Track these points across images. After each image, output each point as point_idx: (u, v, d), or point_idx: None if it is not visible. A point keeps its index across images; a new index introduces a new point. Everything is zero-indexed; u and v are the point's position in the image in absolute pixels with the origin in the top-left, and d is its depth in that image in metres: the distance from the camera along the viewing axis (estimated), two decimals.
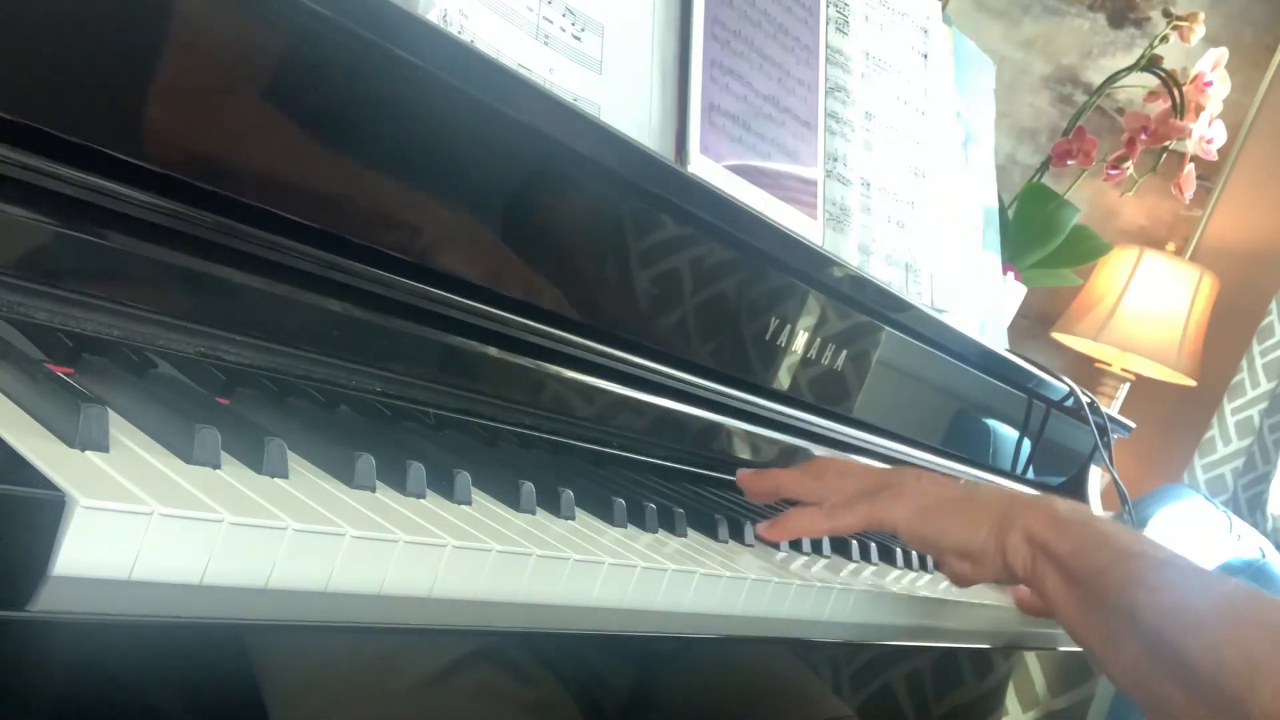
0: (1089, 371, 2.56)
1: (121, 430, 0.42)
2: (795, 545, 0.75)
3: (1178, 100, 1.64)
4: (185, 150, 0.50)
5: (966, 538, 0.71)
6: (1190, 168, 1.66)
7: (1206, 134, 1.64)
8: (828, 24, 1.01)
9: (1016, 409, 1.21)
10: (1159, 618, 0.60)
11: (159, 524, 0.36)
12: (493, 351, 0.68)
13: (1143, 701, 0.62)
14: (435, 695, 0.75)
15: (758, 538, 0.71)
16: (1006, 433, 1.21)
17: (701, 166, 0.83)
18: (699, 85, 0.84)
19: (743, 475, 0.78)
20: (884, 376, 0.96)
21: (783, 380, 0.87)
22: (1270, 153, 2.65)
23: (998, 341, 1.24)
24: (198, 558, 0.38)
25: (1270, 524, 2.48)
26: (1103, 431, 1.24)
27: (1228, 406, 2.57)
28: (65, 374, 0.45)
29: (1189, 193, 1.67)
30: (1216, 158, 1.73)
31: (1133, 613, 0.62)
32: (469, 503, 0.53)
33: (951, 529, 0.71)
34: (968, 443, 1.16)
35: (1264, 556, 2.25)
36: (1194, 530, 2.19)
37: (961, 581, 0.74)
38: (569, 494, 0.58)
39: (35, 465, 0.36)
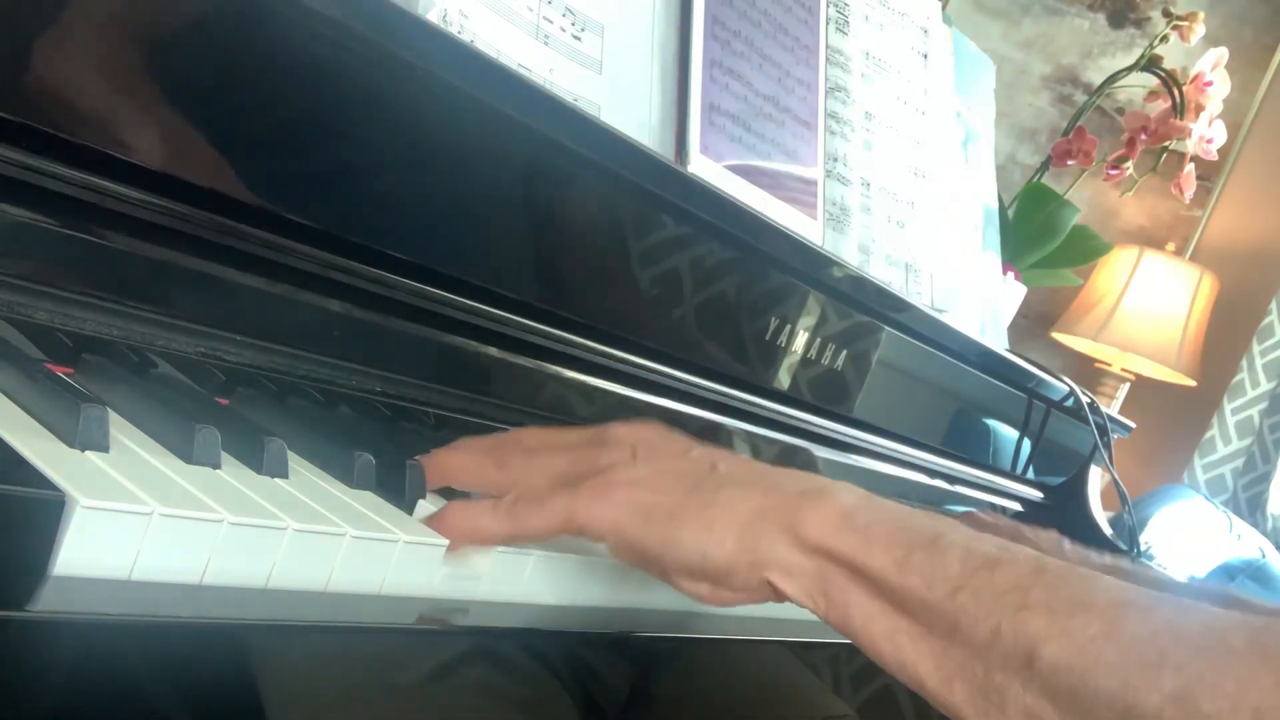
0: (1089, 371, 2.56)
1: (121, 430, 0.42)
2: None
3: (1178, 100, 1.64)
4: (185, 150, 0.50)
5: (704, 550, 0.48)
6: (1190, 168, 1.66)
7: (1206, 134, 1.64)
8: (828, 24, 1.01)
9: (1016, 409, 1.21)
10: (1072, 657, 0.40)
11: (159, 524, 0.36)
12: (493, 351, 0.68)
13: None
14: (433, 694, 0.75)
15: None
16: (1006, 433, 1.21)
17: (701, 166, 0.83)
18: (699, 85, 0.84)
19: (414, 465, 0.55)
20: (884, 376, 0.96)
21: (783, 380, 0.87)
22: (1270, 153, 2.65)
23: (998, 341, 1.24)
24: (198, 557, 0.38)
25: (1270, 524, 2.49)
26: (1103, 431, 1.24)
27: (1228, 406, 2.57)
28: (65, 374, 0.45)
29: (1189, 193, 1.67)
30: (1216, 158, 1.73)
31: (1023, 651, 0.41)
32: None
33: (682, 537, 0.48)
34: (968, 443, 1.16)
35: (1264, 556, 2.25)
36: (1194, 530, 2.19)
37: (702, 602, 0.51)
38: None
39: (35, 465, 0.36)
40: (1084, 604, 0.41)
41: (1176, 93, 1.64)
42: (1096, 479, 1.33)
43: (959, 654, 0.43)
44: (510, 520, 0.49)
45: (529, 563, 0.51)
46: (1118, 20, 2.71)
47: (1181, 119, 1.63)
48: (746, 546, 0.48)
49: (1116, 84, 1.74)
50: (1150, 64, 1.67)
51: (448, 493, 0.53)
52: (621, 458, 0.52)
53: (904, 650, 0.45)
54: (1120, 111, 2.11)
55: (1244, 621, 0.40)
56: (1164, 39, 1.68)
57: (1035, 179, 1.72)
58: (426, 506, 0.50)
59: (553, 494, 0.50)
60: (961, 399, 1.13)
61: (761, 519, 0.48)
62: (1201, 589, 0.82)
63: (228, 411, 0.50)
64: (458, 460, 0.54)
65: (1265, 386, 2.54)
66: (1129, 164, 1.68)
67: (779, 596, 0.49)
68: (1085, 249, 1.69)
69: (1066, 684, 0.40)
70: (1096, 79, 2.47)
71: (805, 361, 0.88)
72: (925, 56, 1.13)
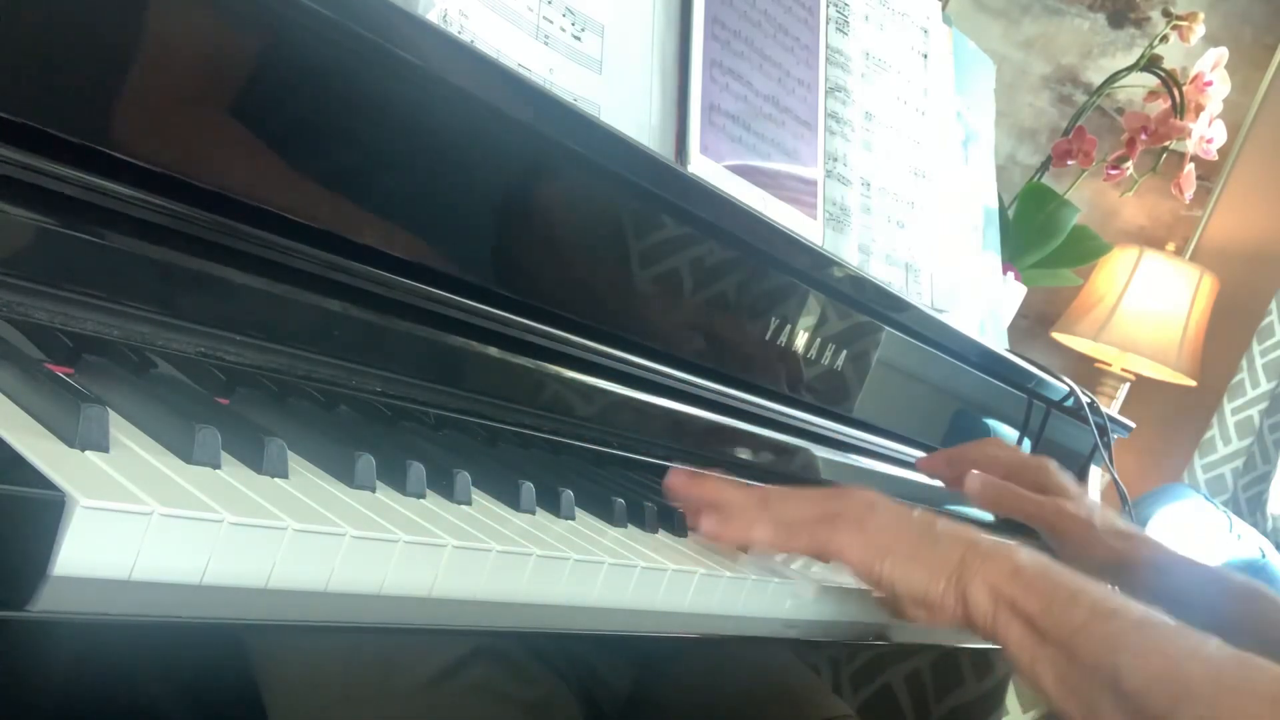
0: (1089, 371, 2.56)
1: (121, 430, 0.42)
2: None
3: (1178, 100, 1.64)
4: (185, 150, 0.50)
5: (925, 586, 0.65)
6: (1190, 168, 1.66)
7: (1206, 134, 1.64)
8: (828, 24, 1.01)
9: (1016, 409, 1.21)
10: (1145, 684, 0.57)
11: (159, 524, 0.36)
12: (493, 351, 0.68)
13: None
14: (435, 695, 0.75)
15: (695, 529, 0.65)
16: (1006, 433, 1.21)
17: (701, 166, 0.83)
18: (699, 85, 0.84)
19: (675, 476, 0.69)
20: (884, 376, 0.96)
21: (783, 380, 0.87)
22: (1270, 153, 2.65)
23: (998, 341, 1.24)
24: (198, 558, 0.38)
25: (1270, 524, 2.49)
26: (1103, 431, 1.24)
27: (1228, 406, 2.57)
28: (65, 374, 0.45)
29: (1189, 193, 1.67)
30: (1216, 158, 1.73)
31: (1115, 677, 0.58)
32: (469, 503, 0.53)
33: (913, 574, 0.65)
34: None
35: (1264, 556, 2.25)
36: (1194, 530, 2.19)
37: (913, 623, 0.70)
38: (569, 494, 0.58)
39: (35, 465, 0.36)
40: (1160, 651, 0.58)
41: (1176, 93, 1.64)
42: (1096, 479, 1.33)
43: (1073, 675, 0.61)
44: (781, 532, 0.66)
45: (529, 563, 0.50)
46: (1118, 20, 2.71)
47: (1181, 119, 1.63)
48: (954, 586, 0.65)
49: (1116, 84, 1.74)
50: (1150, 64, 1.67)
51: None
52: (858, 508, 0.68)
53: (1038, 668, 0.62)
54: (1120, 111, 2.11)
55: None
56: (1164, 39, 1.68)
57: (1035, 179, 1.71)
58: (428, 507, 0.50)
59: (816, 523, 0.66)
60: (961, 399, 1.13)
61: (964, 566, 0.65)
62: (1221, 576, 0.88)
63: (228, 411, 0.50)
64: (731, 493, 0.68)
65: (1265, 386, 2.54)
66: (1129, 164, 1.68)
67: (968, 623, 0.65)
68: (1085, 249, 1.69)
69: (1138, 705, 0.57)
70: (1096, 79, 2.47)
71: (805, 361, 0.88)
72: (925, 56, 1.13)
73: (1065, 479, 0.95)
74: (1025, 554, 0.66)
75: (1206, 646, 0.58)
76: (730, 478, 0.71)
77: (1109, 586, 0.66)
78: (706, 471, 0.71)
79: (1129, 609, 0.61)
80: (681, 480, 0.69)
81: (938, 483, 1.01)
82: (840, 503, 0.68)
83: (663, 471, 0.71)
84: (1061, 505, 0.92)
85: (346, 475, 0.48)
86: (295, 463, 0.47)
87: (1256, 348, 2.56)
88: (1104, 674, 0.59)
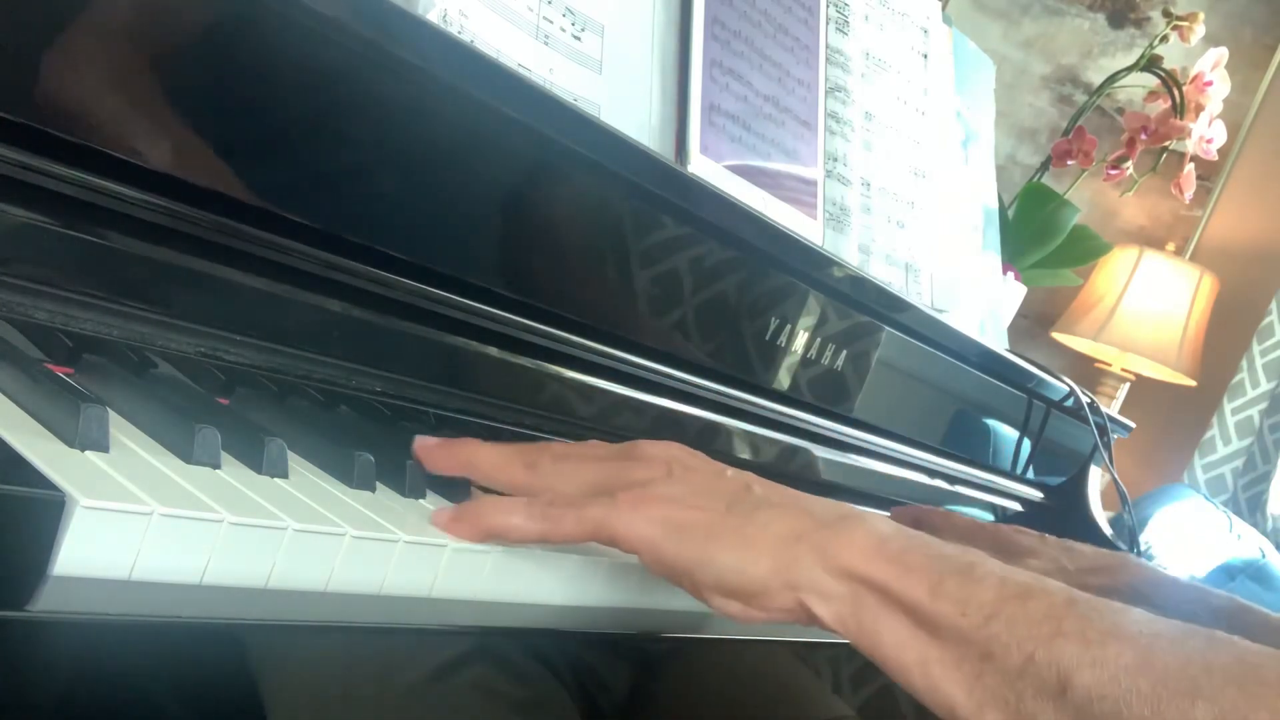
0: (1089, 371, 2.56)
1: (121, 430, 0.42)
2: None
3: (1178, 100, 1.64)
4: (185, 150, 0.50)
5: (740, 568, 0.49)
6: (1190, 168, 1.66)
7: (1206, 134, 1.64)
8: (828, 24, 1.01)
9: (1016, 409, 1.21)
10: (1109, 681, 0.42)
11: (159, 524, 0.36)
12: (493, 351, 0.68)
13: None
14: (434, 694, 0.75)
15: (434, 525, 0.49)
16: (1006, 433, 1.21)
17: (701, 166, 0.83)
18: (699, 85, 0.84)
19: (421, 444, 0.54)
20: (884, 376, 0.96)
21: (783, 380, 0.87)
22: (1270, 153, 2.65)
23: (998, 341, 1.24)
24: (198, 558, 0.38)
25: (1270, 524, 2.49)
26: (1103, 431, 1.24)
27: (1228, 406, 2.57)
28: (65, 374, 0.45)
29: (1189, 193, 1.67)
30: (1216, 158, 1.73)
31: (1058, 678, 0.43)
32: None
33: (718, 555, 0.49)
34: (968, 443, 1.16)
35: (1264, 556, 2.25)
36: (1194, 530, 2.19)
37: (733, 620, 0.51)
38: None
39: (35, 465, 0.36)
40: (1117, 634, 0.43)
41: (1176, 93, 1.64)
42: (1096, 479, 1.33)
43: (992, 681, 0.44)
44: (545, 521, 0.50)
45: (529, 563, 0.51)
46: (1118, 20, 2.71)
47: (1181, 119, 1.63)
48: (781, 568, 0.49)
49: (1116, 84, 1.74)
50: (1150, 64, 1.67)
51: (447, 488, 0.53)
52: (658, 473, 0.52)
53: (935, 677, 0.46)
54: (1120, 111, 2.11)
55: (1275, 655, 0.42)
56: (1164, 39, 1.67)
57: (1035, 179, 1.71)
58: (426, 507, 0.50)
59: (589, 501, 0.50)
60: (961, 399, 1.13)
61: (797, 542, 0.49)
62: (1204, 593, 0.81)
63: (228, 411, 0.50)
64: (485, 455, 0.54)
65: (1265, 386, 2.54)
66: (1129, 164, 1.68)
67: (810, 619, 0.49)
68: (1085, 249, 1.69)
69: (1099, 712, 0.41)
70: (1096, 79, 2.47)
71: (805, 361, 0.88)
72: (925, 56, 1.13)
73: (1028, 539, 0.83)
74: (886, 524, 0.50)
75: (1168, 627, 0.44)
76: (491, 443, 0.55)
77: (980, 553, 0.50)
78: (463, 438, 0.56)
79: (1044, 584, 0.46)
80: (427, 450, 0.54)
81: (939, 483, 1.01)
82: (625, 467, 0.53)
83: None
84: (1013, 534, 0.83)
85: (346, 475, 0.48)
86: (295, 463, 0.47)
87: (1256, 348, 2.56)
88: (1040, 675, 0.43)
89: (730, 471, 0.54)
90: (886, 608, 0.48)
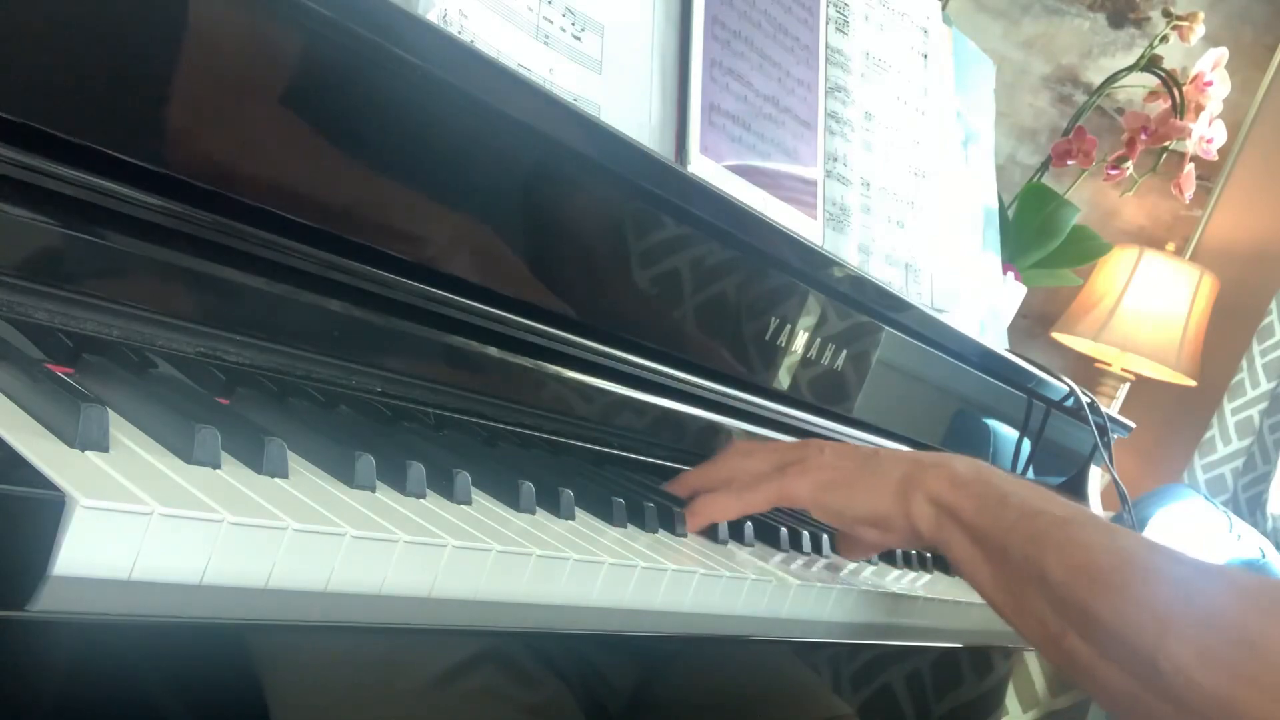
0: (1089, 371, 2.56)
1: (121, 430, 0.42)
2: (795, 545, 0.75)
3: (1178, 100, 1.64)
4: (185, 150, 0.50)
5: (872, 505, 0.70)
6: (1190, 168, 1.66)
7: (1206, 134, 1.64)
8: (828, 24, 1.01)
9: (1016, 409, 1.21)
10: (1066, 576, 0.59)
11: (159, 524, 0.36)
12: (493, 351, 0.68)
13: (1052, 656, 0.62)
14: (438, 697, 0.75)
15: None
16: (1006, 433, 1.21)
17: (701, 166, 0.83)
18: (699, 85, 0.84)
19: (672, 486, 0.75)
20: (884, 376, 0.96)
21: (783, 380, 0.87)
22: (1270, 153, 2.65)
23: (998, 341, 1.24)
24: (198, 558, 0.38)
25: (1270, 524, 2.48)
26: (1103, 431, 1.24)
27: (1228, 406, 2.57)
28: (65, 374, 0.45)
29: (1189, 193, 1.67)
30: (1216, 158, 1.73)
31: (1040, 571, 0.60)
32: (469, 503, 0.53)
33: (857, 498, 0.70)
34: (968, 443, 1.16)
35: (1264, 556, 2.25)
36: (1194, 530, 2.19)
37: (871, 550, 0.77)
38: (569, 494, 0.58)
39: (35, 465, 0.36)
40: (1080, 544, 0.60)
41: (1176, 93, 1.64)
42: (1096, 479, 1.33)
43: (1005, 572, 0.64)
44: (738, 498, 0.70)
45: (529, 563, 0.50)
46: (1118, 20, 2.70)
47: (1181, 119, 1.63)
48: (897, 501, 0.70)
49: (1116, 84, 1.74)
50: (1150, 64, 1.67)
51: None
52: (810, 452, 0.73)
53: (976, 568, 0.66)
54: (1120, 111, 2.11)
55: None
56: (1164, 39, 1.67)
57: (1035, 179, 1.71)
58: (427, 507, 0.50)
59: (765, 479, 0.71)
60: (961, 399, 1.13)
61: (907, 482, 0.70)
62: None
63: (228, 411, 0.50)
64: (695, 472, 0.75)
65: (1265, 386, 2.54)
66: (1129, 164, 1.68)
67: (918, 535, 0.69)
68: (1085, 249, 1.69)
69: (1061, 596, 0.59)
70: (1096, 79, 2.47)
71: (805, 361, 0.88)
72: (925, 56, 1.13)
73: None
74: (964, 463, 0.70)
75: (1126, 538, 0.60)
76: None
77: (1049, 490, 0.69)
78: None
79: (1054, 506, 0.64)
80: (675, 486, 0.74)
81: None
82: (792, 453, 0.74)
83: (663, 471, 0.71)
84: None
85: (346, 475, 0.48)
86: (295, 463, 0.47)
87: (1256, 348, 2.56)
88: (1031, 569, 0.61)
89: (865, 447, 0.75)
90: (954, 523, 0.67)
